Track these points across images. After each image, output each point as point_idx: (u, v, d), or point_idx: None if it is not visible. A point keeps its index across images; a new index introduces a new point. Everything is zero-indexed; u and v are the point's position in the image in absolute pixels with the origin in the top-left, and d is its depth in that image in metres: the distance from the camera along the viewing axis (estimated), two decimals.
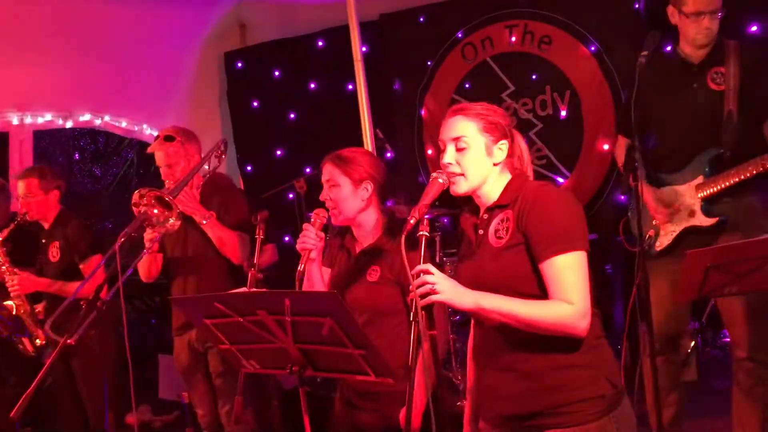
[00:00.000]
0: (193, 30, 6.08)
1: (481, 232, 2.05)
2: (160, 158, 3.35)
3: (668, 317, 3.09)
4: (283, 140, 6.37)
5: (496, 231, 1.99)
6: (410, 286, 1.89)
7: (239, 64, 6.52)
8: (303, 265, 2.44)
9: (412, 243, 1.96)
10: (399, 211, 4.95)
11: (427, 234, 1.93)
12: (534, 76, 5.34)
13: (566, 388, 1.93)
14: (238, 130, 6.52)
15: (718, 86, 3.03)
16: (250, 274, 2.60)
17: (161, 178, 3.39)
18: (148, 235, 3.05)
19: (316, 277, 2.53)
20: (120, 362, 3.98)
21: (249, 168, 6.55)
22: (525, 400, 1.96)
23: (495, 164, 2.03)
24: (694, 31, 3.02)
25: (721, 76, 3.03)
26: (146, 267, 3.39)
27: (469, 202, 2.15)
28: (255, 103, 6.47)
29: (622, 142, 3.38)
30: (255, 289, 2.45)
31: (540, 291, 1.91)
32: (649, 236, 3.17)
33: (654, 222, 3.20)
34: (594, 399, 1.94)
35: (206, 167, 3.43)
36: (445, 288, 1.87)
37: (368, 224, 2.56)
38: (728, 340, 3.82)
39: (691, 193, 3.08)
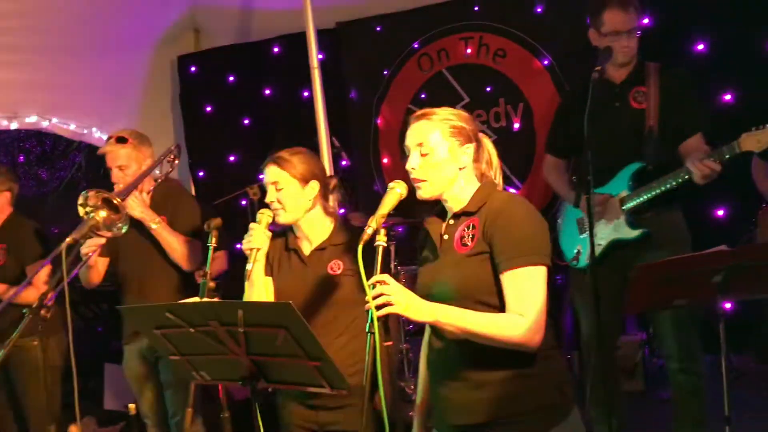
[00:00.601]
0: (146, 33, 5.97)
1: (446, 237, 2.06)
2: (111, 159, 3.28)
3: (600, 329, 3.15)
4: (236, 146, 6.29)
5: (462, 238, 2.00)
6: (366, 297, 1.87)
7: (193, 69, 6.42)
8: (251, 265, 2.42)
9: (369, 253, 1.95)
10: (354, 218, 4.96)
11: (384, 244, 1.92)
12: (488, 88, 5.39)
13: (518, 398, 1.95)
14: (190, 134, 6.42)
15: (640, 104, 3.18)
16: (202, 283, 2.55)
17: (111, 181, 3.31)
18: (86, 247, 2.98)
19: (259, 278, 2.53)
20: (64, 372, 3.88)
21: (201, 173, 6.45)
22: (477, 410, 1.97)
23: (460, 168, 2.04)
24: (614, 50, 3.12)
25: (643, 95, 3.15)
26: (85, 275, 3.29)
27: (431, 207, 2.15)
28: (208, 108, 6.38)
29: (551, 163, 3.46)
30: (207, 299, 2.41)
31: (499, 301, 1.92)
32: (577, 251, 3.24)
33: (581, 236, 3.28)
34: (545, 409, 1.96)
35: (158, 172, 3.36)
36: (402, 299, 1.86)
37: (316, 222, 2.58)
38: None
39: (615, 206, 3.16)
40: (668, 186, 3.05)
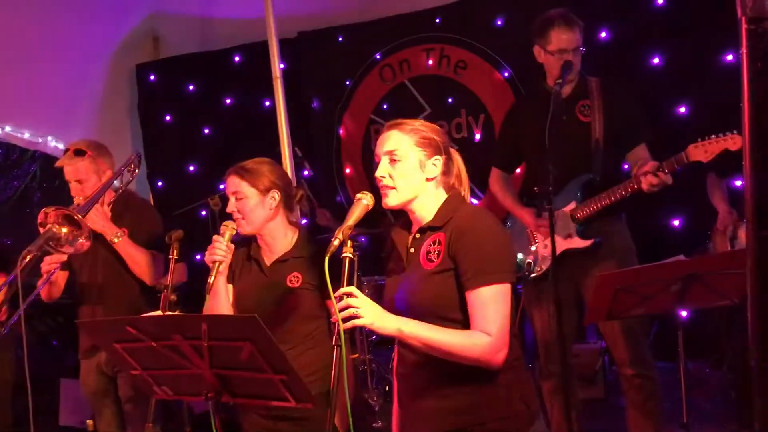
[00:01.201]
0: (104, 40, 5.88)
1: (412, 250, 2.05)
2: (69, 173, 3.19)
3: (554, 339, 3.20)
4: (196, 156, 6.23)
5: (428, 253, 2.00)
6: (333, 309, 1.86)
7: (152, 77, 6.34)
8: (213, 278, 2.40)
9: (335, 264, 1.94)
10: (322, 217, 4.90)
11: (351, 256, 1.91)
12: (450, 100, 5.44)
13: (483, 409, 1.96)
14: (149, 144, 6.34)
15: (586, 118, 3.25)
16: (163, 296, 2.51)
17: (70, 195, 3.23)
18: (47, 264, 2.91)
19: (222, 291, 2.52)
20: (16, 387, 3.77)
21: (160, 184, 6.37)
22: (443, 420, 1.98)
23: (428, 179, 2.04)
24: (560, 67, 3.18)
25: (588, 108, 3.22)
26: (45, 290, 3.21)
27: (397, 217, 2.15)
28: (168, 117, 6.31)
29: (496, 176, 3.50)
30: (170, 313, 2.37)
31: (464, 318, 1.93)
32: (528, 262, 3.29)
33: (531, 247, 3.32)
34: (508, 419, 1.98)
35: (117, 183, 3.29)
36: (369, 312, 1.86)
37: (278, 233, 2.57)
38: None
39: (566, 217, 3.22)
40: (617, 197, 3.11)
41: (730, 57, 4.64)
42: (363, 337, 4.29)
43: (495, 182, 3.56)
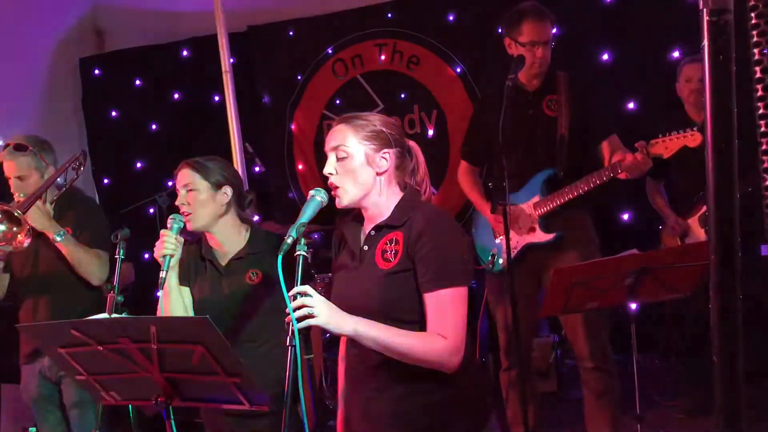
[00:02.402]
0: (45, 34, 5.69)
1: (366, 248, 1.99)
2: (9, 169, 3.07)
3: (516, 331, 3.21)
4: (143, 152, 6.08)
5: (384, 252, 1.95)
6: (287, 309, 1.81)
7: (96, 71, 6.17)
8: (165, 273, 2.32)
9: (288, 263, 1.89)
10: (268, 227, 4.85)
11: (305, 254, 1.86)
12: (403, 95, 5.42)
13: (438, 409, 1.93)
14: (94, 140, 6.16)
15: (553, 112, 3.27)
16: (109, 297, 2.42)
17: (10, 191, 3.11)
18: None
19: (175, 288, 2.44)
20: None
21: (106, 181, 6.20)
22: (397, 421, 1.94)
23: (378, 174, 1.98)
24: (530, 60, 3.20)
25: (555, 103, 3.23)
26: None
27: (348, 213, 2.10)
28: (113, 113, 6.15)
29: (465, 169, 3.51)
30: (117, 316, 2.28)
31: (419, 320, 1.89)
32: (492, 254, 3.30)
33: (496, 240, 3.33)
34: (464, 419, 1.95)
35: (61, 180, 3.17)
36: (323, 311, 1.81)
37: (230, 231, 2.51)
38: None
39: (529, 211, 3.23)
40: (580, 192, 3.13)
41: (676, 54, 4.74)
42: (320, 337, 4.23)
43: (463, 175, 3.55)
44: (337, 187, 1.97)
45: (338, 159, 1.96)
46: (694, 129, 2.92)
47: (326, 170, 1.98)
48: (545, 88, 3.29)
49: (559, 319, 4.33)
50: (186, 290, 2.51)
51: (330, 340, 4.69)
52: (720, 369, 1.05)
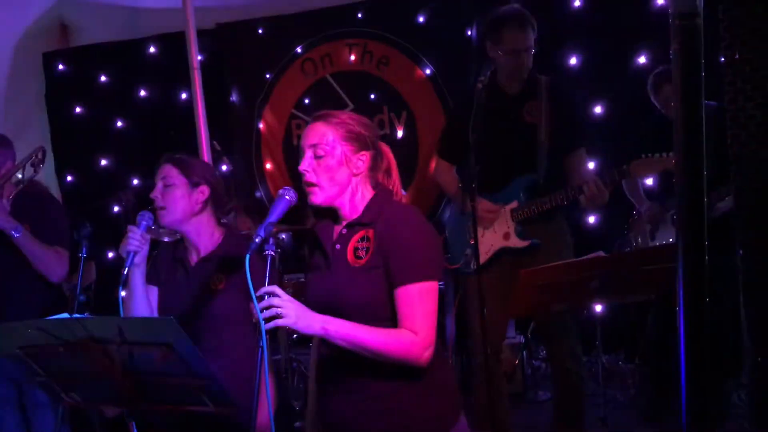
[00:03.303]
0: (7, 27, 5.55)
1: (338, 247, 1.98)
2: None
3: (486, 332, 3.22)
4: (108, 149, 5.98)
5: (356, 249, 1.94)
6: (255, 309, 1.79)
7: (60, 66, 6.05)
8: (127, 269, 2.27)
9: (255, 262, 1.87)
10: (241, 223, 4.80)
11: (273, 254, 1.84)
12: (372, 96, 5.42)
13: (409, 409, 1.93)
14: (57, 136, 6.05)
15: (533, 118, 3.25)
16: (73, 297, 2.37)
17: None
18: None
19: (138, 285, 2.38)
20: None
21: (69, 178, 6.08)
22: (368, 422, 1.93)
23: (354, 175, 1.97)
24: (511, 66, 3.22)
25: (535, 109, 3.24)
26: None
27: (319, 214, 2.08)
28: (78, 109, 6.04)
29: (443, 166, 3.50)
30: (79, 315, 2.23)
31: (392, 316, 1.89)
32: (466, 255, 3.31)
33: (471, 242, 3.34)
34: (434, 419, 1.95)
35: (20, 176, 3.10)
36: (292, 312, 1.79)
37: (204, 232, 2.47)
38: None
39: (506, 216, 3.25)
40: (558, 202, 3.15)
41: (642, 59, 4.80)
42: (287, 337, 4.21)
43: (440, 173, 3.51)
44: (313, 185, 1.95)
45: (316, 156, 1.95)
46: None
47: (302, 167, 1.96)
48: (526, 93, 3.28)
49: (529, 321, 4.39)
50: (153, 290, 2.47)
51: (299, 340, 4.67)
52: (686, 370, 1.06)
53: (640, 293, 2.84)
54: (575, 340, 3.28)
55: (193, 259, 2.47)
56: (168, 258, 2.51)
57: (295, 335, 4.47)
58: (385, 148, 2.06)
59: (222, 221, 2.52)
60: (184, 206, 2.41)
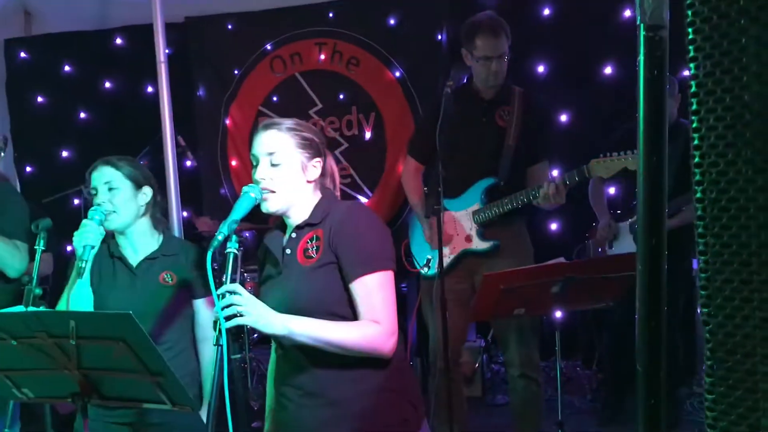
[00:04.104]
0: None
1: (288, 251, 1.98)
2: None
3: (445, 336, 3.23)
4: (70, 141, 5.87)
5: (305, 250, 1.94)
6: (215, 307, 1.77)
7: (22, 54, 5.92)
8: (86, 262, 2.24)
9: (217, 260, 1.85)
10: (201, 223, 4.75)
11: (236, 251, 1.82)
12: (341, 96, 5.40)
13: (372, 414, 1.91)
14: (17, 126, 5.91)
15: (504, 122, 3.30)
16: (27, 290, 2.31)
17: None
18: None
19: (87, 280, 2.38)
20: None
21: (29, 169, 5.96)
22: (332, 428, 1.91)
23: (309, 182, 1.99)
24: (484, 73, 3.25)
25: (508, 114, 3.28)
26: None
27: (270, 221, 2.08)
28: (40, 99, 5.91)
29: (412, 167, 3.52)
30: (34, 309, 2.19)
31: (350, 312, 1.89)
32: (429, 258, 3.33)
33: (431, 245, 3.36)
34: (398, 424, 1.94)
35: None
36: (253, 311, 1.78)
37: (146, 232, 2.49)
38: None
39: (468, 218, 3.27)
40: (518, 203, 3.17)
41: (609, 70, 4.88)
42: (246, 337, 4.17)
43: (408, 173, 3.52)
44: (272, 192, 1.94)
45: (272, 164, 1.94)
46: (635, 152, 2.99)
47: (259, 175, 1.95)
48: (500, 98, 3.32)
49: (490, 325, 4.41)
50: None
51: (258, 340, 4.62)
52: (643, 377, 1.08)
53: (599, 300, 2.88)
54: (533, 346, 3.31)
55: (133, 258, 2.46)
56: (103, 256, 2.48)
57: (256, 335, 4.43)
58: (329, 155, 2.08)
59: (159, 221, 2.54)
60: (133, 209, 2.43)
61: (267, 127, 1.99)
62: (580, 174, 3.07)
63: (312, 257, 1.92)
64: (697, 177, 0.77)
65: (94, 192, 2.42)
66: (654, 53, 0.95)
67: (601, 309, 4.18)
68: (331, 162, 2.09)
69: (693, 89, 0.77)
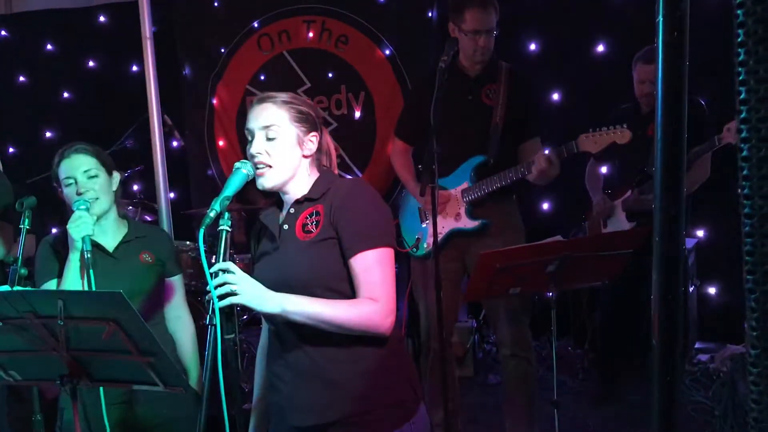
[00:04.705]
0: None
1: (286, 227, 1.93)
2: None
3: (439, 316, 3.20)
4: (53, 121, 5.78)
5: (304, 225, 1.89)
6: (208, 286, 1.72)
7: (2, 33, 5.80)
8: (90, 253, 2.21)
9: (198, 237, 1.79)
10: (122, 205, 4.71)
11: (228, 229, 1.77)
12: (330, 75, 5.33)
13: (371, 395, 1.87)
14: None
15: (490, 101, 3.24)
16: (12, 269, 2.26)
17: None
18: None
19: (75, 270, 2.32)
20: None
21: (11, 149, 5.85)
22: (328, 409, 1.86)
23: (305, 156, 1.93)
24: (472, 48, 3.19)
25: (494, 92, 3.23)
26: None
27: (270, 194, 2.02)
28: (21, 78, 5.80)
29: (399, 148, 3.47)
30: (21, 288, 2.13)
31: (349, 289, 1.84)
32: (418, 238, 3.29)
33: (422, 224, 3.32)
34: (395, 405, 1.90)
35: None
36: (247, 289, 1.73)
37: (116, 217, 2.49)
38: None
39: (457, 197, 3.23)
40: (508, 180, 3.14)
41: (601, 48, 4.83)
42: (235, 317, 4.12)
43: (397, 154, 3.49)
44: (268, 166, 1.88)
45: (268, 138, 1.89)
46: (624, 126, 2.96)
47: (254, 149, 1.89)
48: (486, 75, 3.27)
49: (481, 305, 4.39)
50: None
51: (249, 321, 4.58)
52: (659, 353, 1.04)
53: (595, 279, 2.85)
54: (524, 326, 3.29)
55: (108, 243, 2.43)
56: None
57: (246, 316, 4.39)
58: (325, 131, 2.03)
59: (120, 202, 2.54)
60: (110, 195, 2.43)
61: (262, 100, 1.93)
62: (569, 149, 3.03)
63: (311, 232, 1.87)
64: (745, 172, 0.71)
65: (71, 181, 2.34)
66: (674, 14, 0.90)
67: (593, 288, 4.18)
68: (327, 138, 2.04)
69: (741, 77, 0.70)
